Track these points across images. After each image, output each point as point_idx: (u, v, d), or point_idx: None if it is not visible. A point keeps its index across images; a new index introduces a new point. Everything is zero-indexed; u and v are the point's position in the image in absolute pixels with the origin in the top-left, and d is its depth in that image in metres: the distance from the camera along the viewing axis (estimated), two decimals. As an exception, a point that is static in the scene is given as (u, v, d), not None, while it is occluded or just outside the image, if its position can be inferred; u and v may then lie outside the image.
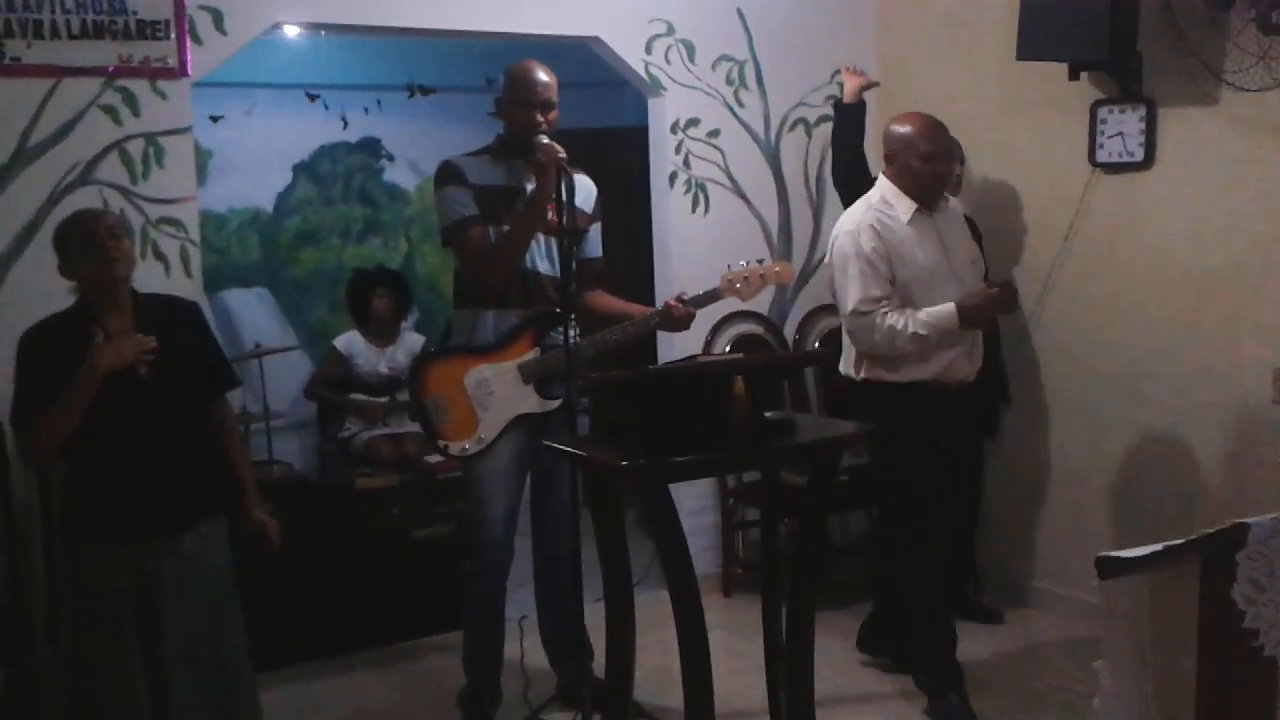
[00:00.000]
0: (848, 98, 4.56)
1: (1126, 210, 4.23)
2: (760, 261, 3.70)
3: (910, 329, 3.49)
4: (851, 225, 3.62)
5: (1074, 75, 4.21)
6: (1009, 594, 4.70)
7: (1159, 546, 1.95)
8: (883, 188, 3.66)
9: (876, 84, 4.75)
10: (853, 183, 4.53)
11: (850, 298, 3.57)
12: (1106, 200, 4.28)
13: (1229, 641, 1.96)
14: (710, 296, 3.62)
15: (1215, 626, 1.95)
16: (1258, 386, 3.84)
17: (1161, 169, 4.09)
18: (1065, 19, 4.02)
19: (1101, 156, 4.26)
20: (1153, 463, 4.20)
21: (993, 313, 3.68)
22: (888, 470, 3.76)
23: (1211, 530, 1.95)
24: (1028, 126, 4.56)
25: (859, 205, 3.69)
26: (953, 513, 3.80)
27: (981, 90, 4.72)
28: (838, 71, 4.91)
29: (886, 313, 3.52)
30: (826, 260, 3.77)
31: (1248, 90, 3.75)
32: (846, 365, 3.75)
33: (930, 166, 3.57)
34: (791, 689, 3.17)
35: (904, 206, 3.59)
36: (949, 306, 3.50)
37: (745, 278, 3.60)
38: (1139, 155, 4.13)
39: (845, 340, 3.73)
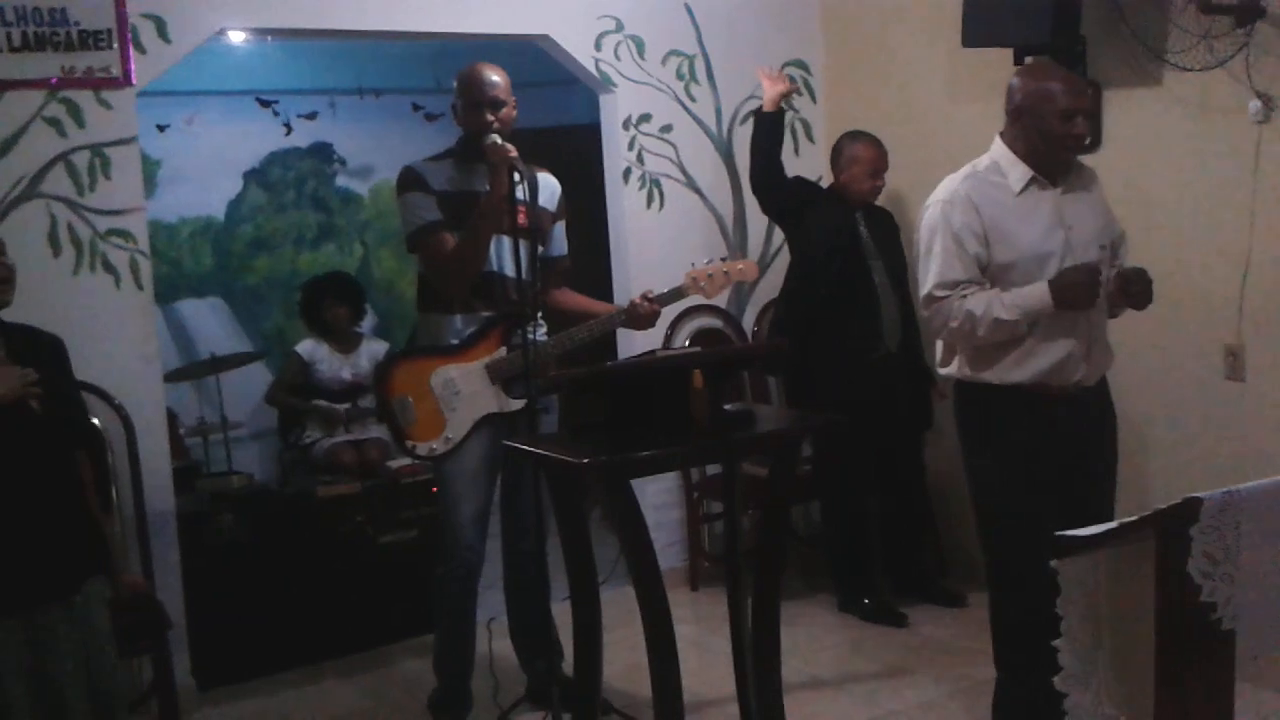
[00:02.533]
0: (767, 106, 4.61)
1: (1076, 193, 4.27)
2: (724, 259, 3.73)
3: (993, 313, 2.98)
4: (945, 194, 3.11)
5: (1019, 60, 4.23)
6: (971, 577, 4.73)
7: (1114, 524, 1.97)
8: (995, 151, 3.14)
9: (797, 90, 4.84)
10: (770, 189, 4.61)
11: (928, 280, 3.09)
12: (1056, 183, 4.32)
13: (1186, 616, 1.98)
14: (675, 294, 3.62)
15: (1172, 601, 1.97)
16: (1209, 363, 3.89)
17: (1108, 150, 4.13)
18: (1009, 4, 4.05)
19: (1049, 140, 4.30)
20: (1109, 441, 4.25)
21: (1094, 291, 2.99)
22: (978, 492, 3.24)
23: (1165, 506, 1.98)
24: (976, 113, 4.59)
25: (962, 171, 3.16)
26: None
27: (928, 77, 4.76)
28: (784, 67, 4.97)
29: (966, 296, 3.03)
30: (916, 235, 3.24)
31: (1190, 70, 3.79)
32: (937, 356, 3.29)
33: (1070, 128, 3.01)
34: (758, 679, 3.18)
35: (1017, 174, 3.07)
36: (1040, 284, 2.98)
37: (710, 275, 3.61)
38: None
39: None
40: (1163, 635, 1.97)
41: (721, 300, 5.00)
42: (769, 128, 4.60)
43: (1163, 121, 3.95)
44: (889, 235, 4.64)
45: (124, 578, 2.89)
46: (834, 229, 4.48)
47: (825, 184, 4.81)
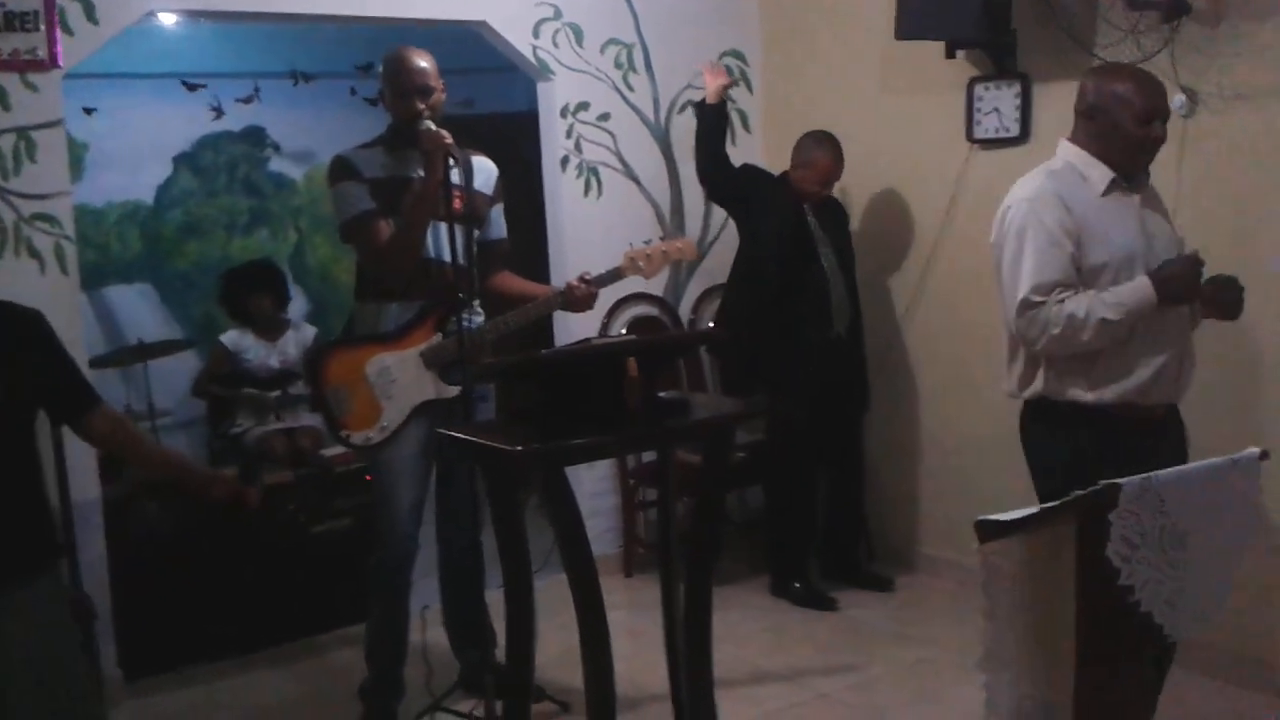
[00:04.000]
0: (710, 99, 4.63)
1: (1004, 184, 4.22)
2: (663, 238, 3.71)
3: (1098, 314, 2.75)
4: (1029, 192, 2.90)
5: (951, 53, 4.30)
6: (899, 561, 4.82)
7: (1036, 509, 2.02)
8: (1068, 153, 2.96)
9: (737, 83, 4.91)
10: (716, 179, 4.65)
11: (1021, 285, 2.83)
12: (984, 175, 4.37)
13: (1105, 599, 2.04)
14: (613, 275, 3.61)
15: (1092, 585, 2.02)
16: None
17: (1037, 143, 4.19)
18: (942, -2, 4.11)
19: (979, 132, 4.36)
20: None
21: (1197, 281, 2.82)
22: None
23: (1085, 491, 2.02)
24: (907, 104, 4.65)
25: (1038, 171, 2.97)
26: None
27: (862, 69, 4.81)
28: (722, 57, 5.00)
29: (1064, 300, 2.79)
30: (993, 239, 2.99)
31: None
32: (1012, 378, 2.99)
33: (1148, 132, 2.86)
34: (690, 664, 3.20)
35: (1099, 175, 2.89)
36: (1140, 279, 2.78)
37: (648, 255, 3.60)
38: (1015, 130, 4.24)
39: (1007, 344, 3.01)
40: (1083, 618, 2.02)
41: (659, 288, 5.02)
42: (713, 120, 4.62)
43: (1090, 115, 4.02)
44: (837, 224, 4.70)
45: (214, 488, 2.74)
46: (783, 216, 4.52)
47: (776, 171, 4.84)
